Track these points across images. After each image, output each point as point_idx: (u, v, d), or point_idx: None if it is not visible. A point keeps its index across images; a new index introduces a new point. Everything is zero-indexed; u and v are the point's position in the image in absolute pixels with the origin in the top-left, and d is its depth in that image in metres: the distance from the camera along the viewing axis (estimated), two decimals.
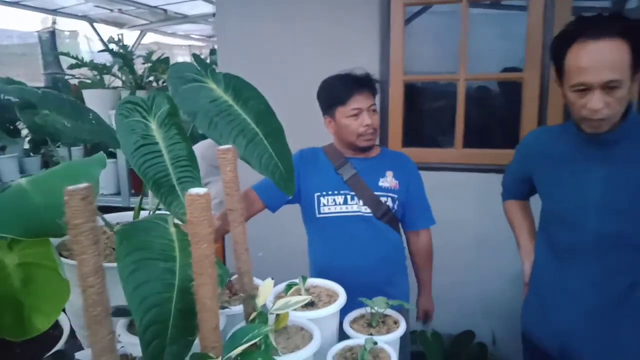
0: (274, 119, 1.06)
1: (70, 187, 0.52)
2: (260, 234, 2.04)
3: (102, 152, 0.87)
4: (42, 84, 4.82)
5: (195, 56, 1.21)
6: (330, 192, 1.56)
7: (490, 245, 2.19)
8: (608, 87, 1.07)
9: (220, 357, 0.72)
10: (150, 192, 1.33)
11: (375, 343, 1.00)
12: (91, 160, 0.81)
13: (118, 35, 4.05)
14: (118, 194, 3.29)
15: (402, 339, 1.52)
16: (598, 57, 1.06)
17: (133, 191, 3.33)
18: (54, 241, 0.82)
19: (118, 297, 0.67)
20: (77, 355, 0.80)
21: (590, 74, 1.07)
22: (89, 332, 0.56)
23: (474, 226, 2.26)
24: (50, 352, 0.79)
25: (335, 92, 1.56)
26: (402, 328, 1.12)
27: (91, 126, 1.27)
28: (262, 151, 1.02)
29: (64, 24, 5.93)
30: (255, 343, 0.80)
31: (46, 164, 3.56)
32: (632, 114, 1.16)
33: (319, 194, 1.57)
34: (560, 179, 1.26)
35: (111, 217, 1.15)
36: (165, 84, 3.74)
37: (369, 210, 1.55)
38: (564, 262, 1.27)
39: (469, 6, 2.26)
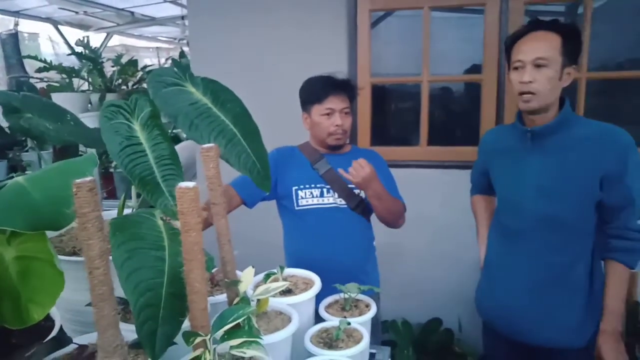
0: (251, 120, 1.13)
1: (78, 180, 0.59)
2: (236, 231, 2.10)
3: (91, 152, 0.92)
4: (4, 88, 4.72)
5: (175, 61, 1.27)
6: (307, 186, 1.66)
7: (454, 236, 2.32)
8: (537, 64, 1.28)
9: (209, 335, 0.80)
10: (133, 194, 1.38)
11: (349, 323, 1.09)
12: (84, 159, 0.87)
13: (84, 37, 4.02)
14: None
15: (374, 321, 1.62)
16: (532, 41, 1.31)
17: (104, 194, 3.33)
18: None
19: None
20: (75, 340, 0.86)
21: (524, 53, 1.31)
22: (94, 310, 0.63)
23: (439, 219, 2.39)
24: (49, 337, 0.84)
25: (314, 90, 1.66)
26: (372, 310, 1.22)
27: (71, 128, 1.32)
28: (241, 150, 1.08)
29: (24, 26, 5.79)
30: (239, 324, 0.88)
31: (13, 168, 3.51)
32: (565, 110, 1.33)
33: (296, 187, 1.66)
34: (505, 169, 1.44)
35: None
36: (135, 87, 3.74)
37: (343, 202, 1.65)
38: (508, 243, 1.42)
39: (431, 10, 2.39)
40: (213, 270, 1.21)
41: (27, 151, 3.36)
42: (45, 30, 6.18)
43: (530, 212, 1.35)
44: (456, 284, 2.36)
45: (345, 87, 1.66)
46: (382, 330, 2.30)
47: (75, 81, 3.49)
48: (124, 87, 3.80)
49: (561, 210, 1.32)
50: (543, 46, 1.28)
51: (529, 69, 1.29)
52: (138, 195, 1.32)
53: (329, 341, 1.07)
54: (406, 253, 2.47)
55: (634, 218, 1.29)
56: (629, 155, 1.27)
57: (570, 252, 1.34)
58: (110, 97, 3.41)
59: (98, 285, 0.61)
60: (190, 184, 0.75)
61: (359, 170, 1.50)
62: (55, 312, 0.99)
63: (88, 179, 0.59)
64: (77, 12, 5.31)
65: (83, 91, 3.51)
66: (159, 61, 6.50)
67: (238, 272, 1.11)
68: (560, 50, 1.28)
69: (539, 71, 1.28)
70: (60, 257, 0.97)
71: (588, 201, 1.31)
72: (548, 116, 1.34)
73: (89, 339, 0.88)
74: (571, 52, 1.29)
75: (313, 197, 1.66)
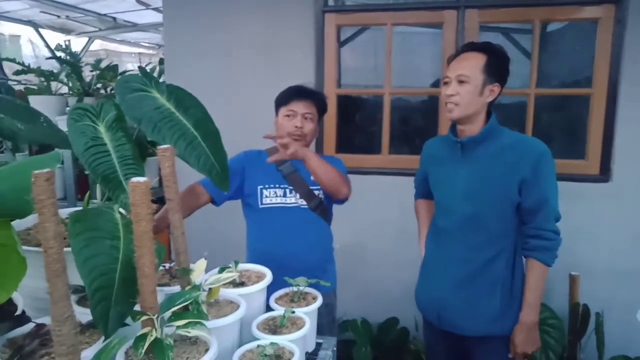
0: (211, 124, 1.22)
1: (36, 172, 0.68)
2: (200, 233, 2.20)
3: (56, 150, 1.01)
4: None
5: (141, 68, 1.36)
6: (271, 186, 1.77)
7: (411, 239, 2.42)
8: (460, 80, 1.45)
9: (157, 315, 0.89)
10: (97, 193, 1.47)
11: (293, 312, 1.19)
12: (47, 156, 0.96)
13: (65, 41, 4.07)
14: (64, 199, 3.33)
15: (329, 317, 1.72)
16: (459, 61, 1.49)
17: (79, 196, 3.37)
18: None
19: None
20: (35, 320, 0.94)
21: (451, 70, 1.49)
22: (49, 285, 0.72)
23: (397, 222, 2.50)
24: (14, 316, 0.92)
25: (282, 94, 1.81)
26: (318, 302, 1.32)
27: (43, 129, 1.39)
28: (200, 152, 1.18)
29: (5, 28, 5.81)
30: (188, 308, 0.97)
31: None
32: (490, 123, 1.48)
33: (261, 186, 1.77)
34: (439, 175, 1.59)
35: (60, 212, 1.27)
36: (113, 91, 3.81)
37: (304, 203, 1.76)
38: (440, 242, 1.57)
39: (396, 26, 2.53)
40: (172, 264, 1.30)
41: (2, 152, 3.39)
42: (26, 32, 6.19)
43: (458, 213, 1.49)
44: (413, 285, 2.47)
45: (309, 95, 1.79)
46: (342, 329, 2.41)
47: (54, 84, 3.53)
48: (102, 91, 3.85)
49: (483, 212, 1.46)
50: (466, 65, 1.45)
51: (453, 84, 1.46)
52: (103, 195, 1.41)
53: (274, 328, 1.17)
54: (366, 255, 2.59)
55: (549, 219, 1.43)
56: (542, 162, 1.41)
57: (491, 249, 1.47)
58: (87, 100, 3.46)
59: (52, 262, 0.71)
60: (142, 178, 0.85)
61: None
62: (18, 297, 1.07)
63: (45, 170, 0.69)
64: (58, 16, 5.36)
65: (61, 94, 3.56)
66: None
67: (192, 265, 1.20)
68: (483, 69, 1.44)
69: (461, 86, 1.45)
70: (27, 247, 1.04)
71: (507, 204, 1.45)
72: (474, 128, 1.48)
73: (47, 320, 0.97)
74: (494, 71, 1.45)
75: (277, 196, 1.77)
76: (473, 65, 1.44)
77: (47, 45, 5.69)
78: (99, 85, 3.86)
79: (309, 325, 1.18)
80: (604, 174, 2.35)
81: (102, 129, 1.15)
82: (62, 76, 3.58)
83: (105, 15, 5.39)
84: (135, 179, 0.85)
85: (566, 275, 2.28)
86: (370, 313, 2.52)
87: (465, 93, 1.44)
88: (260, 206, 1.77)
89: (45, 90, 3.40)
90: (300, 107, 1.75)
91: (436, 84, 2.78)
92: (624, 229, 2.35)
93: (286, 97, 1.78)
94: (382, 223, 2.49)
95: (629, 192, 2.32)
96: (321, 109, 1.84)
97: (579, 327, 2.19)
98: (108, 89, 3.94)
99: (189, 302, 0.96)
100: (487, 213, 1.46)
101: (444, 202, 1.56)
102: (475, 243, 1.48)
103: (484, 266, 1.47)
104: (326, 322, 1.74)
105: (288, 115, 1.76)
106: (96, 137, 1.12)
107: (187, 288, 1.06)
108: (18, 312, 1.01)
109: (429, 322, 1.61)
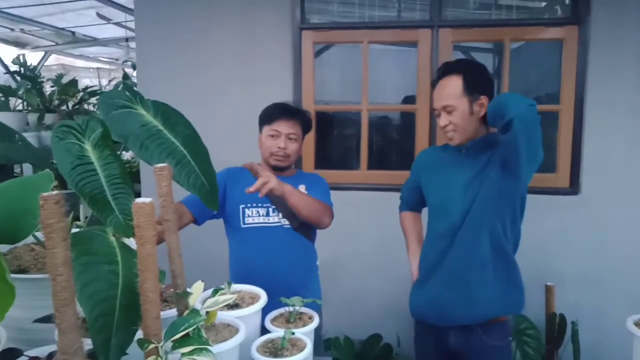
0: (200, 142, 1.19)
1: (45, 194, 0.63)
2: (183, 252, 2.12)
3: (46, 170, 0.95)
4: None
5: (125, 84, 1.32)
6: (254, 205, 1.73)
7: (390, 254, 2.45)
8: (446, 110, 1.50)
9: (162, 343, 0.85)
10: (81, 215, 1.40)
11: (293, 333, 1.16)
12: (40, 177, 0.91)
13: (19, 55, 3.91)
14: None
15: (316, 335, 1.69)
16: (439, 90, 1.53)
17: None
18: None
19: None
20: (27, 352, 0.87)
21: (436, 102, 1.54)
22: (56, 314, 0.67)
23: (376, 239, 2.52)
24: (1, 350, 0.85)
25: (267, 113, 1.79)
26: (315, 321, 1.29)
27: (19, 147, 1.32)
28: (190, 171, 1.14)
29: None
30: (189, 334, 0.93)
31: None
32: (490, 133, 1.52)
33: (244, 205, 1.73)
34: (438, 179, 1.62)
35: (40, 235, 1.20)
36: (76, 107, 3.67)
37: (287, 222, 1.73)
38: (436, 244, 1.58)
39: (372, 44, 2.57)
40: (162, 287, 1.25)
41: None
42: None
43: (457, 213, 1.51)
44: (394, 300, 2.48)
45: (295, 115, 1.77)
46: (325, 347, 2.37)
47: (12, 100, 3.37)
48: (63, 107, 3.71)
49: (479, 209, 1.48)
50: (446, 94, 1.49)
51: (443, 115, 1.52)
52: (85, 216, 1.34)
53: (275, 350, 1.14)
54: (347, 272, 2.58)
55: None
56: None
57: (480, 238, 1.49)
58: (49, 117, 3.31)
59: (61, 291, 0.66)
60: (147, 199, 0.81)
61: (262, 182, 1.52)
62: (0, 329, 1.00)
63: (54, 192, 0.65)
64: (12, 29, 5.15)
65: (20, 111, 3.40)
66: (99, 82, 6.35)
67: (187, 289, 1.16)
68: (462, 92, 1.48)
69: (451, 115, 1.50)
70: (13, 275, 0.97)
71: (496, 195, 1.48)
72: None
73: (40, 352, 0.90)
74: (475, 87, 1.48)
75: (259, 215, 1.73)
76: (453, 92, 1.48)
77: (0, 60, 5.44)
78: (57, 102, 3.72)
79: (311, 346, 1.15)
80: (574, 186, 2.45)
81: (88, 147, 1.10)
82: (22, 92, 3.43)
83: (63, 29, 5.22)
84: (139, 200, 0.81)
85: (541, 285, 2.35)
86: (352, 330, 2.50)
87: (457, 120, 1.49)
88: (243, 225, 1.74)
89: (3, 107, 3.23)
90: (284, 127, 1.74)
91: (407, 100, 2.83)
92: (593, 240, 2.46)
93: (270, 116, 1.76)
94: (361, 240, 2.49)
95: (597, 203, 2.43)
96: (305, 127, 1.82)
97: (556, 337, 2.25)
98: (69, 105, 3.80)
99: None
100: (482, 209, 1.48)
101: (443, 204, 1.57)
102: (470, 238, 1.50)
103: (474, 254, 1.50)
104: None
105: (272, 135, 1.74)
106: (82, 156, 1.06)
107: (186, 313, 1.02)
108: (2, 344, 0.94)
109: (424, 325, 1.62)
